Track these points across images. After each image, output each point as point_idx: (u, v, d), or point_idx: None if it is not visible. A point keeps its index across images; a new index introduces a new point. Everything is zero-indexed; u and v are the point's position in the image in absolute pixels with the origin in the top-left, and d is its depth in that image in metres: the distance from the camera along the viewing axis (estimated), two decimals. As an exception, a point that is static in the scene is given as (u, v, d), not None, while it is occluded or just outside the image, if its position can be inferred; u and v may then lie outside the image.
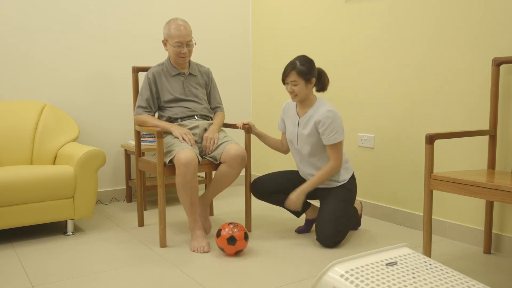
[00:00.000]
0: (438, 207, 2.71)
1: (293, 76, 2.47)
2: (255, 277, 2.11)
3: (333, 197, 2.54)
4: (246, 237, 2.34)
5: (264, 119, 4.06)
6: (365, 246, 2.52)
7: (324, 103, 2.53)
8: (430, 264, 1.54)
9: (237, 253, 2.35)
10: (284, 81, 2.54)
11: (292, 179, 2.72)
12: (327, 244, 2.46)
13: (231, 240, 2.29)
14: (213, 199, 2.72)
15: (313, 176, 2.54)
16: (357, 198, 3.20)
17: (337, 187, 2.57)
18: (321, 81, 2.58)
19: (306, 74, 2.47)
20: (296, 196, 2.52)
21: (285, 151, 2.80)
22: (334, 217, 2.45)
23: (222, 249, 2.34)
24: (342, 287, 1.43)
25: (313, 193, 2.68)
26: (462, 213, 2.59)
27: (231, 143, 2.57)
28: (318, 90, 2.60)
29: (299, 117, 2.59)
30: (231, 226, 2.33)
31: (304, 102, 2.56)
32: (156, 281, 2.06)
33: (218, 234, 2.33)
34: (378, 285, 1.38)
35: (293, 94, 2.51)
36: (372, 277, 1.43)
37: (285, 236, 2.71)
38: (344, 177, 2.58)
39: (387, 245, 2.54)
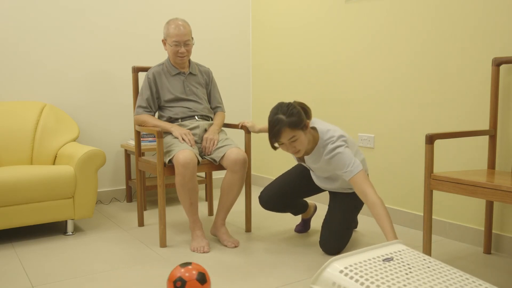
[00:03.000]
0: (438, 207, 2.71)
1: (288, 134, 2.07)
2: (255, 277, 2.11)
3: (342, 205, 2.41)
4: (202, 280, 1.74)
5: (264, 119, 4.05)
6: (365, 246, 2.52)
7: (324, 136, 2.18)
8: (425, 259, 1.58)
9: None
10: (276, 143, 2.13)
11: (302, 185, 2.54)
12: (331, 252, 2.39)
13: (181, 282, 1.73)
14: (224, 220, 2.60)
15: (381, 222, 1.99)
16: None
17: (349, 193, 2.45)
18: (307, 114, 2.21)
19: (299, 122, 2.08)
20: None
21: None
22: (340, 229, 2.36)
23: None
24: (343, 282, 1.45)
25: (318, 189, 2.58)
26: (462, 213, 2.59)
27: (232, 148, 2.56)
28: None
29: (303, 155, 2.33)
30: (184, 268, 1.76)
31: (308, 146, 2.23)
32: (156, 281, 2.06)
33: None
34: (377, 279, 1.41)
35: (296, 151, 2.13)
36: (371, 272, 1.45)
37: (285, 236, 2.71)
38: None
39: (387, 245, 2.54)
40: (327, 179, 2.44)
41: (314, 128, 2.26)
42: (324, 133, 2.22)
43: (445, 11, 2.60)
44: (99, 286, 2.01)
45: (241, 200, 3.58)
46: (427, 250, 2.14)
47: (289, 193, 2.53)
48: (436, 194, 2.71)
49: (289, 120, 2.06)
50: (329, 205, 2.49)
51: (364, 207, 3.15)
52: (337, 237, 2.37)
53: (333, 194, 2.52)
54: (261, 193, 2.56)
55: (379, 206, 2.02)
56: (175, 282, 1.73)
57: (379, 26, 2.97)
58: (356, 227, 2.80)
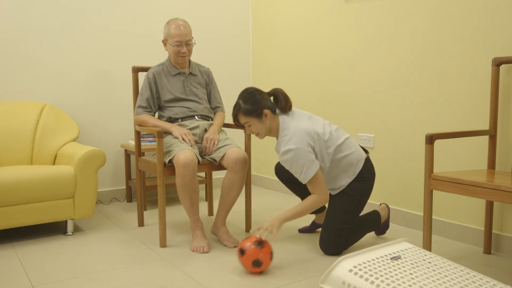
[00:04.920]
0: (438, 207, 2.71)
1: (242, 119, 2.30)
2: (255, 277, 2.11)
3: (332, 206, 2.39)
4: (271, 257, 2.12)
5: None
6: (366, 246, 2.52)
7: (283, 137, 2.26)
8: (431, 257, 1.60)
9: (256, 265, 2.10)
10: (238, 125, 2.38)
11: None
12: (329, 253, 2.39)
13: (256, 263, 2.08)
14: (224, 219, 2.62)
15: (295, 206, 2.26)
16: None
17: (338, 194, 2.39)
18: (278, 105, 2.32)
19: (253, 111, 2.25)
20: (270, 223, 2.19)
21: None
22: (332, 229, 2.35)
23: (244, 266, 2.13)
24: (353, 281, 1.45)
25: None
26: (462, 213, 2.59)
27: (232, 147, 2.56)
28: (283, 112, 2.33)
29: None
30: (258, 246, 2.07)
31: (271, 134, 2.35)
32: (156, 281, 2.06)
33: (242, 252, 2.08)
34: (387, 278, 1.41)
35: (255, 134, 2.34)
36: (380, 271, 1.46)
37: (286, 236, 2.71)
38: (341, 183, 2.37)
39: (387, 245, 2.54)
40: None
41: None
42: (282, 130, 2.30)
43: (445, 11, 2.60)
44: (99, 286, 2.01)
45: (241, 200, 3.58)
46: (427, 250, 2.14)
47: None
48: (436, 194, 2.71)
49: (244, 107, 2.27)
50: (328, 206, 2.48)
51: (364, 207, 3.14)
52: (334, 238, 2.36)
53: (331, 196, 2.49)
54: (277, 163, 2.68)
55: (305, 203, 2.25)
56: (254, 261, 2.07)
57: (379, 26, 2.97)
58: (370, 229, 2.58)
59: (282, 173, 2.65)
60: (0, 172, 2.51)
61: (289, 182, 2.65)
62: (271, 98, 2.36)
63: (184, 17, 3.79)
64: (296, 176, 2.26)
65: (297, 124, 2.27)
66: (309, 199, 2.26)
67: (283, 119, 2.31)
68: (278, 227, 2.19)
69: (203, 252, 2.42)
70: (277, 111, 2.34)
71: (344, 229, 2.36)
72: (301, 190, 2.65)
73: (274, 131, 2.34)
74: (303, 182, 2.26)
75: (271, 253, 2.12)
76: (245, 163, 2.53)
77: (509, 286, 1.44)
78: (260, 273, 2.15)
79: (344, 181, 2.37)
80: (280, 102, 2.32)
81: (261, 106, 2.27)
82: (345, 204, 2.37)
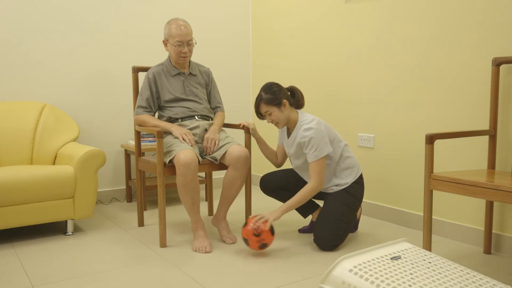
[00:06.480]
0: (438, 207, 2.71)
1: (263, 107, 2.48)
2: (255, 277, 2.11)
3: (334, 200, 2.49)
4: (273, 233, 2.35)
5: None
6: (366, 246, 2.52)
7: (303, 121, 2.48)
8: (431, 257, 1.60)
9: (262, 247, 2.35)
10: (259, 115, 2.54)
11: (300, 177, 2.69)
12: (324, 247, 2.43)
13: (263, 246, 2.33)
14: (225, 212, 2.65)
15: (293, 197, 2.43)
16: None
17: (339, 191, 2.51)
18: (295, 99, 2.55)
19: (274, 100, 2.46)
20: (273, 215, 2.35)
21: (278, 164, 2.76)
22: (331, 220, 2.42)
23: (246, 241, 2.34)
24: (353, 281, 1.45)
25: (320, 195, 2.64)
26: (462, 213, 2.59)
27: (233, 145, 2.57)
28: (297, 108, 2.57)
29: (287, 138, 2.59)
30: (255, 236, 2.31)
31: (289, 125, 2.54)
32: (156, 281, 2.06)
33: (247, 242, 2.34)
34: (387, 278, 1.41)
35: (274, 123, 2.51)
36: (380, 271, 1.46)
37: (286, 236, 2.71)
38: (346, 180, 2.52)
39: (387, 245, 2.54)
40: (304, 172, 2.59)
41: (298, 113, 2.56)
42: (301, 117, 2.52)
43: (445, 11, 2.60)
44: (99, 286, 2.01)
45: (241, 199, 3.58)
46: (427, 250, 2.14)
47: (288, 180, 2.68)
48: (436, 194, 2.71)
49: (265, 96, 2.47)
50: (326, 202, 2.52)
51: (365, 207, 3.15)
52: (327, 227, 2.41)
53: (326, 199, 2.55)
54: (264, 175, 2.72)
55: (302, 192, 2.40)
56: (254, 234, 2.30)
57: (379, 26, 2.98)
58: (356, 229, 2.80)
59: (271, 181, 2.68)
60: (0, 172, 2.51)
61: (278, 189, 2.68)
62: (288, 93, 2.56)
63: (184, 17, 3.79)
64: (309, 153, 2.40)
65: (313, 116, 2.50)
66: (305, 188, 2.42)
67: (300, 112, 2.55)
68: (276, 218, 2.36)
69: (206, 252, 2.42)
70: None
71: (339, 221, 2.43)
72: (291, 193, 2.68)
73: (292, 122, 2.52)
74: (312, 160, 2.40)
75: (271, 229, 2.33)
76: (247, 160, 2.54)
77: (509, 286, 1.44)
78: (261, 273, 2.15)
79: (348, 179, 2.53)
80: (296, 96, 2.56)
81: (281, 96, 2.48)
82: (346, 199, 2.49)
